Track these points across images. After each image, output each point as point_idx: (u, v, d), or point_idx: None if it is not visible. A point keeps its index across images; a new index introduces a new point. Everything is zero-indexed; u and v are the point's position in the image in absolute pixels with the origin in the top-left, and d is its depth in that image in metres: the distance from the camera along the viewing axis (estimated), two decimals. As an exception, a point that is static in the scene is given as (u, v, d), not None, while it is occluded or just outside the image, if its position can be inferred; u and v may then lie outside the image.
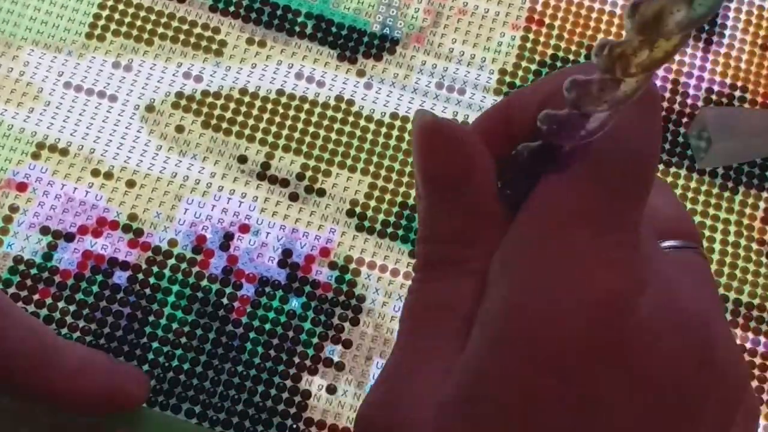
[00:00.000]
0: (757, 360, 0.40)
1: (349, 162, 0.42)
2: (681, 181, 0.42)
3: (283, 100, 0.42)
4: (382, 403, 0.22)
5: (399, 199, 0.41)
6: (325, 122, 0.42)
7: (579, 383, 0.20)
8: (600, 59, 0.19)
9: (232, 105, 0.42)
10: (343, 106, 0.42)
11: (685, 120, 0.43)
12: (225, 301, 0.39)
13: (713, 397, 0.21)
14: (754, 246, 0.42)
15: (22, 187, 0.40)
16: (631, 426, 0.20)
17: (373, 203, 0.41)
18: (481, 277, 0.22)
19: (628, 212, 0.21)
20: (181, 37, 0.43)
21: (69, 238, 0.39)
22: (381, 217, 0.41)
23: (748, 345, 0.40)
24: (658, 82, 0.44)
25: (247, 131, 0.42)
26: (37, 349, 0.31)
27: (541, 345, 0.20)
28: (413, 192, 0.41)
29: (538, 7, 0.44)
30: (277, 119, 0.42)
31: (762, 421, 0.39)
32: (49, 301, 0.38)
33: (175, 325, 0.39)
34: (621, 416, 0.20)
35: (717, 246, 0.42)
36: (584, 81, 0.20)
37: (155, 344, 0.38)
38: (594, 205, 0.21)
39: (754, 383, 0.40)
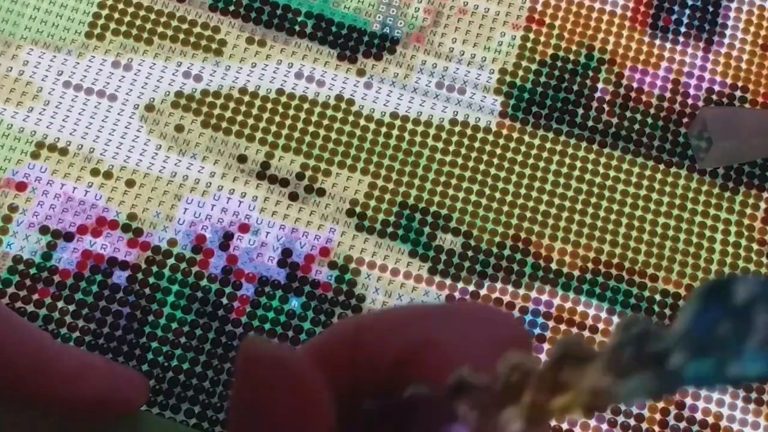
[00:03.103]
0: (758, 360, 0.40)
1: (349, 162, 0.42)
2: (681, 181, 0.42)
3: (283, 99, 0.42)
4: None
5: (399, 199, 0.41)
6: (325, 122, 0.42)
7: None
8: (507, 390, 0.16)
9: (232, 104, 0.42)
10: (343, 105, 0.42)
11: (685, 120, 0.43)
12: (225, 300, 0.39)
13: None
14: (755, 246, 0.42)
15: (21, 186, 0.40)
16: None
17: (373, 203, 0.41)
18: None
19: None
20: (181, 36, 0.43)
21: (68, 237, 0.39)
22: (381, 217, 0.41)
23: (748, 345, 0.40)
24: (659, 82, 0.44)
25: (246, 131, 0.42)
26: (34, 353, 0.31)
27: None
28: (413, 192, 0.41)
29: (538, 7, 0.44)
30: (277, 119, 0.42)
31: (762, 422, 0.39)
32: (48, 300, 0.38)
33: (174, 325, 0.38)
34: None
35: (717, 246, 0.42)
36: (479, 388, 0.17)
37: (155, 344, 0.38)
38: None
39: (754, 383, 0.40)
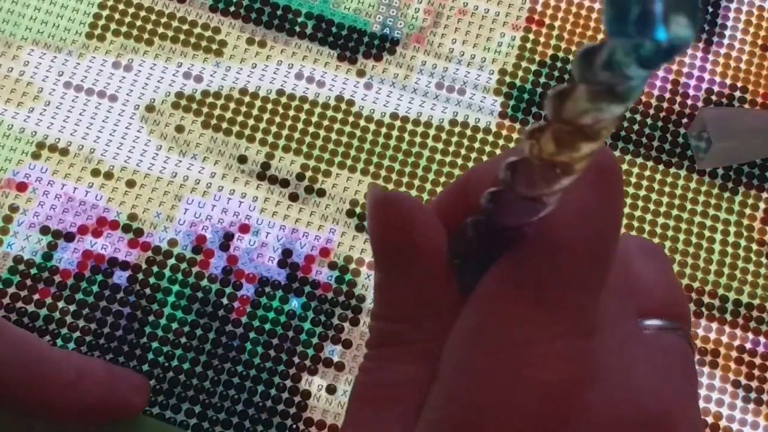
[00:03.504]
0: (757, 360, 0.40)
1: (349, 162, 0.42)
2: (681, 181, 0.42)
3: (283, 100, 0.42)
4: None
5: (399, 199, 0.41)
6: (325, 122, 0.42)
7: None
8: (532, 150, 0.18)
9: (232, 105, 0.42)
10: (343, 106, 0.42)
11: (685, 120, 0.43)
12: (225, 301, 0.39)
13: None
14: (754, 246, 0.42)
15: (22, 186, 0.40)
16: None
17: (373, 203, 0.41)
18: (431, 358, 0.21)
19: (581, 299, 0.20)
20: (181, 37, 0.43)
21: (69, 237, 0.39)
22: (381, 217, 0.41)
23: (748, 345, 0.40)
24: (659, 83, 0.44)
25: (247, 131, 0.42)
26: (32, 361, 0.31)
27: None
28: (413, 192, 0.41)
29: (538, 8, 0.44)
30: (277, 119, 0.42)
31: (762, 422, 0.39)
32: (49, 300, 0.38)
33: (175, 325, 0.39)
34: None
35: (717, 246, 0.42)
36: (522, 165, 0.18)
37: (155, 344, 0.38)
38: (544, 293, 0.20)
39: (754, 383, 0.40)
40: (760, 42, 0.45)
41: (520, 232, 0.20)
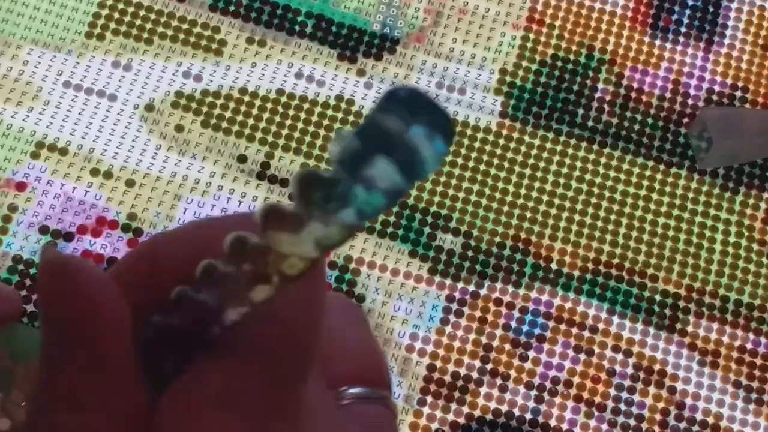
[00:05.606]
0: (758, 360, 0.40)
1: (349, 162, 0.41)
2: (681, 181, 0.42)
3: (283, 99, 0.42)
4: None
5: (399, 198, 0.41)
6: (325, 122, 0.42)
7: None
8: (238, 260, 0.17)
9: (232, 104, 0.42)
10: (343, 105, 0.42)
11: (685, 120, 0.43)
12: (224, 300, 0.39)
13: None
14: (755, 246, 0.42)
15: (21, 186, 0.40)
16: None
17: (373, 203, 0.41)
18: None
19: (281, 398, 0.19)
20: (181, 36, 0.43)
21: (68, 237, 0.39)
22: (381, 217, 0.41)
23: (748, 345, 0.40)
24: (659, 82, 0.44)
25: (246, 131, 0.42)
26: None
27: None
28: (413, 192, 0.41)
29: (539, 7, 0.44)
30: (277, 119, 0.42)
31: (762, 422, 0.39)
32: (48, 300, 0.38)
33: (174, 325, 0.38)
34: None
35: (717, 246, 0.41)
36: (224, 275, 0.17)
37: (155, 344, 0.38)
38: (241, 392, 0.18)
39: (755, 383, 0.40)
40: (760, 42, 0.45)
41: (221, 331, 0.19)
